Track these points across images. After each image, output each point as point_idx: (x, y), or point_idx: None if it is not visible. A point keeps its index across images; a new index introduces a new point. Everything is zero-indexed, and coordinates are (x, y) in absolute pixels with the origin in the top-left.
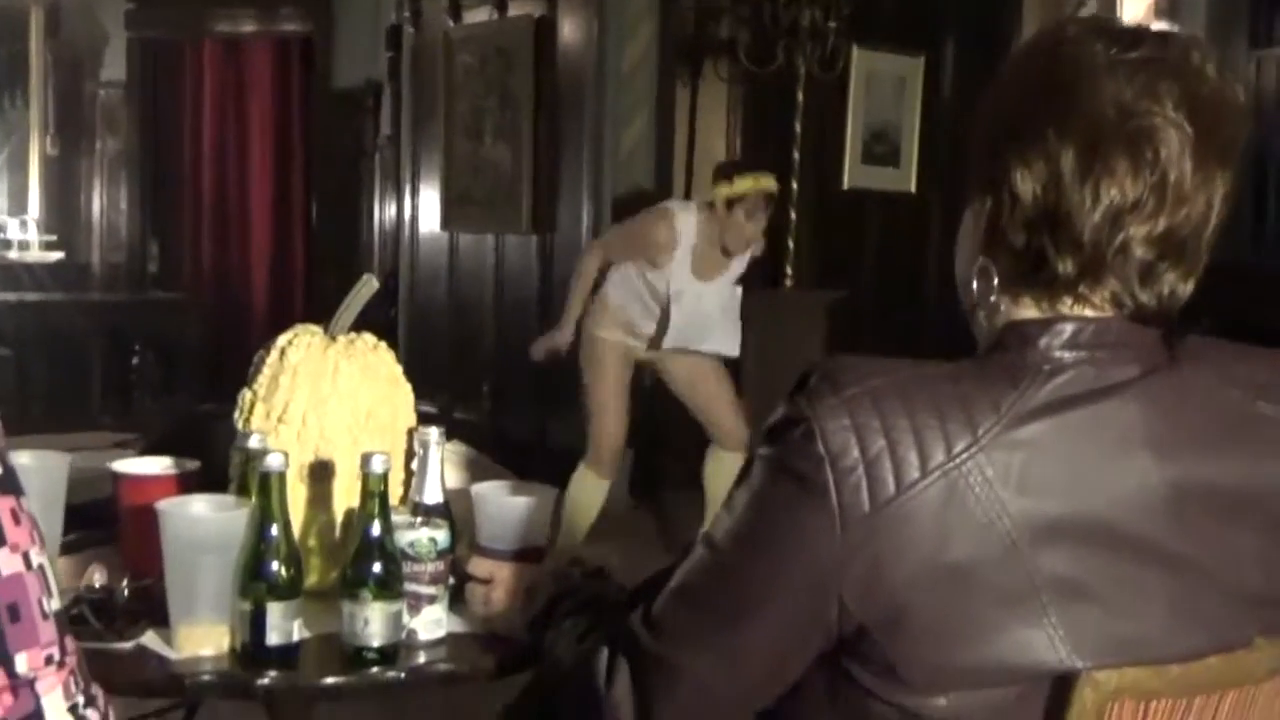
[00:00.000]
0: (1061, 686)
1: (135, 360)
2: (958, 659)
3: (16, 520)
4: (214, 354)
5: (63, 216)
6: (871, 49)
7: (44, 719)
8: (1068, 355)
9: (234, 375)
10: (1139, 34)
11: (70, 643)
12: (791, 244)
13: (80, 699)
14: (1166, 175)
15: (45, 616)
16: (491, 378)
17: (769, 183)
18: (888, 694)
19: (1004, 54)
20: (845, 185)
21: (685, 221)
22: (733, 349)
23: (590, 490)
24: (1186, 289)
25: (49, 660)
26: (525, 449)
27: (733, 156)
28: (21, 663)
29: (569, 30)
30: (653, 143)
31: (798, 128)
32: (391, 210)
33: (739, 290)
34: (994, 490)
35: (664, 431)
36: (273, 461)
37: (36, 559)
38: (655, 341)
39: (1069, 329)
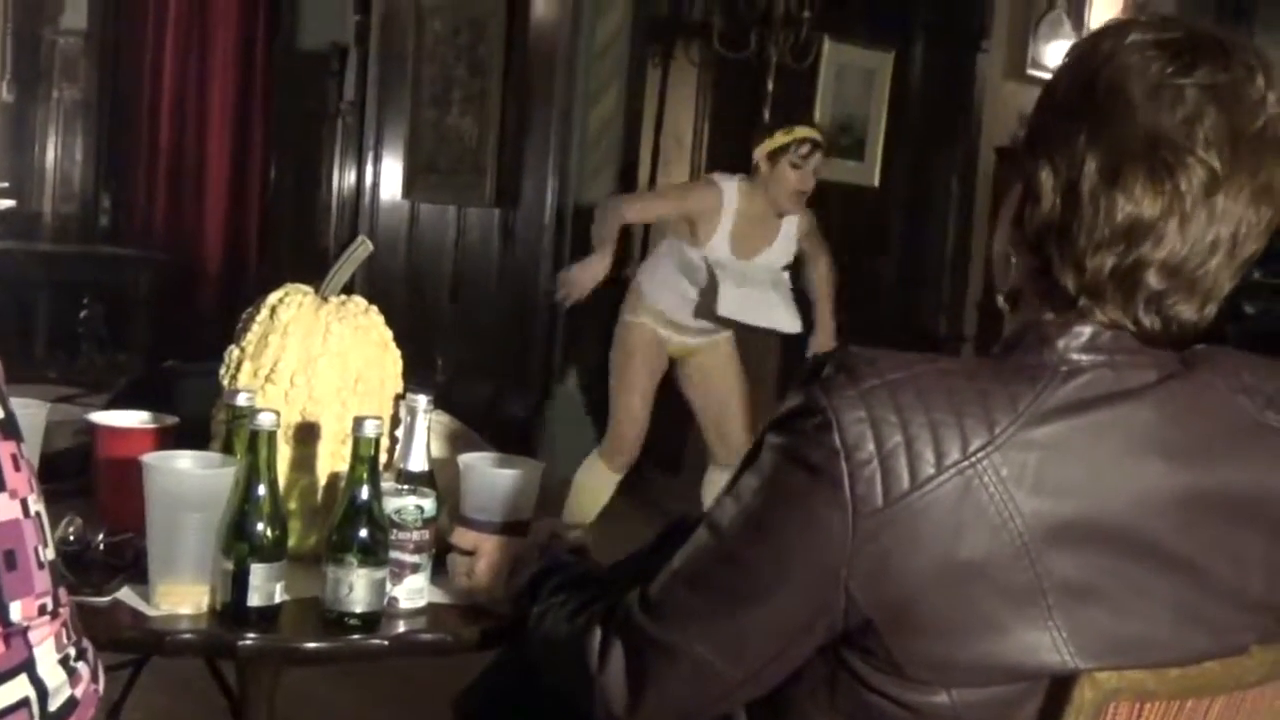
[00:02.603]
0: (1060, 685)
1: (83, 313)
2: (961, 656)
3: (16, 466)
4: (163, 310)
5: (16, 164)
6: (843, 41)
7: (36, 669)
8: (1085, 358)
9: (182, 332)
10: (1202, 52)
11: (63, 594)
12: None
13: (71, 651)
14: (1185, 208)
15: (41, 565)
16: (448, 349)
17: (807, 130)
18: (889, 688)
19: (973, 54)
20: None
21: (729, 188)
22: (794, 324)
23: (597, 480)
24: (1204, 315)
25: (43, 610)
26: (478, 422)
27: (699, 140)
28: (16, 611)
29: (542, 4)
30: (621, 122)
31: (766, 115)
32: (352, 176)
33: (786, 275)
34: (1008, 490)
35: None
36: (264, 420)
37: (34, 506)
38: (704, 309)
39: (1087, 331)
